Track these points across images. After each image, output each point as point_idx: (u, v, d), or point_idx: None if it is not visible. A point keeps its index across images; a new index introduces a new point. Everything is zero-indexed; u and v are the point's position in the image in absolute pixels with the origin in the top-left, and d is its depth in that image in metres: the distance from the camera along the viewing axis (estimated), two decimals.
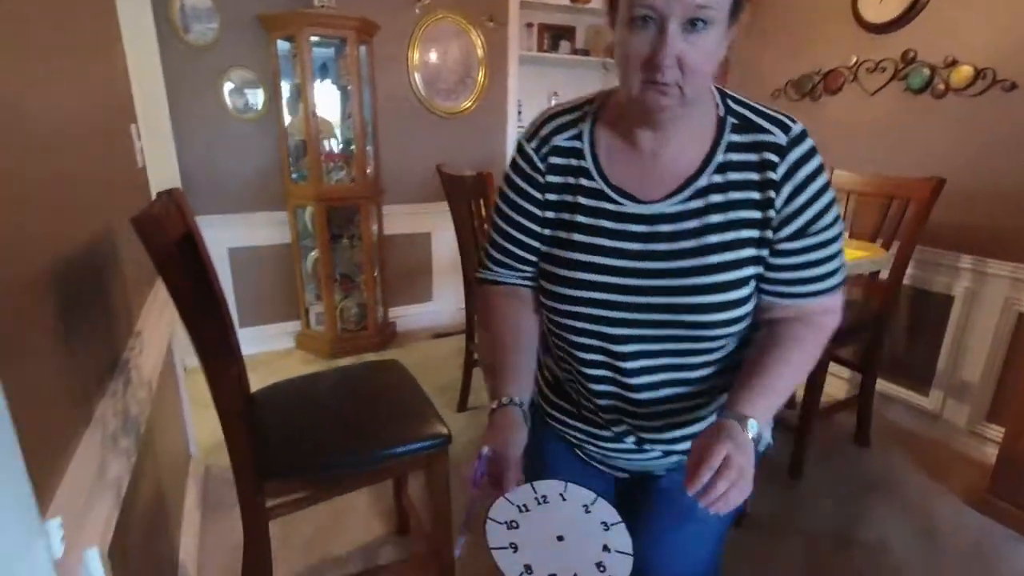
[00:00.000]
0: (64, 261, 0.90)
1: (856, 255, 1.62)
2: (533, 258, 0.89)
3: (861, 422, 2.23)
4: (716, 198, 0.79)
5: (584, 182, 0.83)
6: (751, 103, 0.82)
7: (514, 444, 0.78)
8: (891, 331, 2.39)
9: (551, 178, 0.85)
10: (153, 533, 1.22)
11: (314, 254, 2.97)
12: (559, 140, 0.85)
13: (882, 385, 2.42)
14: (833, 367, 2.60)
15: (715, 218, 0.78)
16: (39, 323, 0.78)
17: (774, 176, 0.77)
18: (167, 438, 1.55)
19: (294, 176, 2.86)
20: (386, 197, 3.09)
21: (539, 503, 0.72)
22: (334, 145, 2.92)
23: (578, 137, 0.84)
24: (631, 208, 0.81)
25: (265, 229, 2.91)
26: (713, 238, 0.78)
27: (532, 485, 0.74)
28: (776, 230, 0.79)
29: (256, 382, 1.37)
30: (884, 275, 2.08)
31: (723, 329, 0.80)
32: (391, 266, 3.22)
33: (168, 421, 1.62)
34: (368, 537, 1.72)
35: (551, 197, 0.85)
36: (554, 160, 0.85)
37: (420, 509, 1.60)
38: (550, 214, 0.86)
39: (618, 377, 0.86)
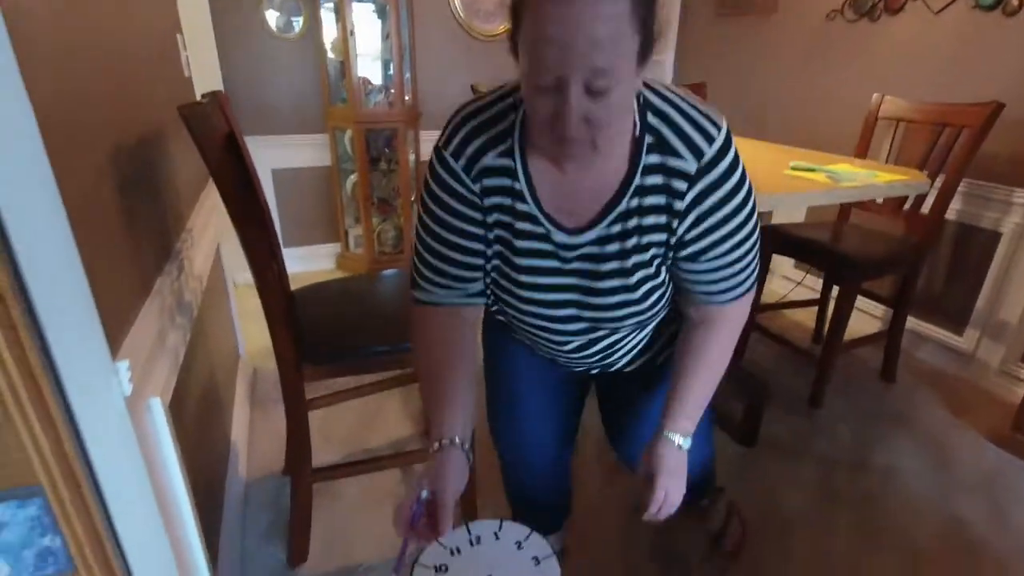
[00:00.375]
0: (123, 151, 0.98)
1: (891, 178, 1.57)
2: (476, 275, 0.87)
3: (888, 357, 2.22)
4: (633, 222, 0.80)
5: (519, 206, 0.81)
6: (670, 112, 0.77)
7: (454, 488, 0.76)
8: (930, 268, 2.33)
9: (488, 200, 0.81)
10: (208, 409, 1.36)
11: (353, 178, 3.04)
12: (489, 160, 0.80)
13: (914, 324, 2.39)
14: (864, 303, 2.57)
15: (632, 241, 0.81)
16: (105, 199, 0.86)
17: (679, 206, 0.78)
18: (219, 337, 1.69)
19: (334, 99, 2.90)
20: (423, 122, 3.10)
21: (472, 544, 0.74)
22: (372, 68, 2.93)
23: (508, 154, 0.79)
24: (561, 238, 0.82)
25: (306, 151, 2.98)
26: (632, 259, 0.81)
27: (467, 526, 0.76)
28: (674, 250, 0.82)
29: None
30: (927, 208, 2.01)
31: (657, 315, 0.91)
32: None
33: (219, 323, 1.75)
34: (398, 435, 1.85)
35: (491, 219, 0.83)
36: (488, 182, 0.81)
37: None
38: (492, 234, 0.84)
39: (571, 357, 0.98)
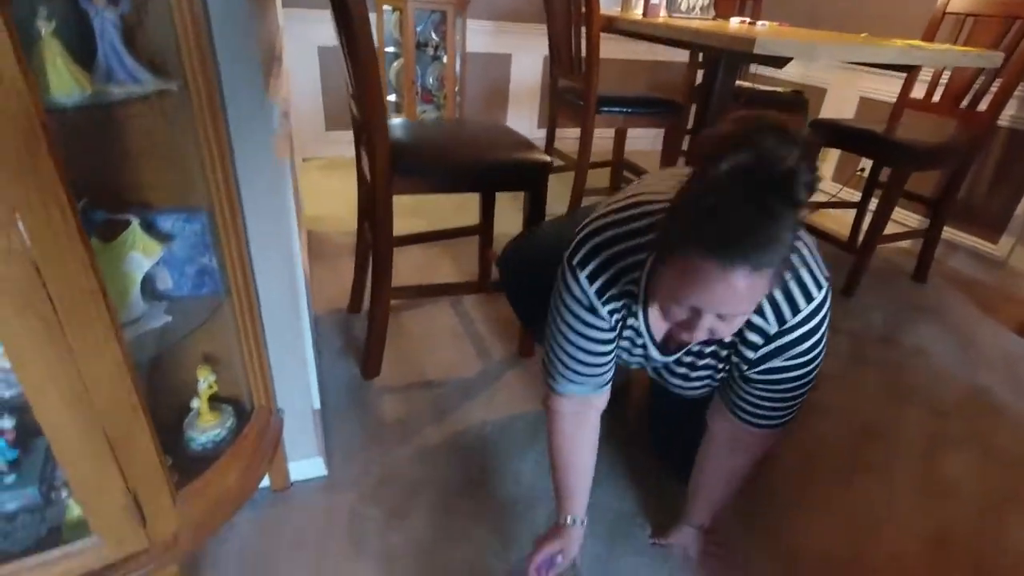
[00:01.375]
0: None
1: (965, 49, 1.58)
2: (606, 367, 0.94)
3: (922, 259, 2.27)
4: (709, 348, 0.89)
5: (631, 321, 0.89)
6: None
7: (574, 552, 1.01)
8: (973, 176, 2.36)
9: (615, 317, 0.88)
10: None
11: (397, 64, 3.03)
12: (622, 286, 0.84)
13: (948, 233, 2.44)
14: (900, 215, 2.62)
15: (705, 361, 0.91)
16: None
17: (749, 355, 0.83)
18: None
19: None
20: (471, 10, 3.06)
21: None
22: None
23: (636, 283, 0.84)
24: (653, 352, 0.92)
25: None
26: (698, 372, 0.93)
27: None
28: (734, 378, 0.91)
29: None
30: (983, 107, 2.02)
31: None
32: (469, 85, 3.25)
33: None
34: (453, 281, 1.95)
35: (616, 329, 0.91)
36: (615, 304, 0.86)
37: None
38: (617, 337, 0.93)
39: None
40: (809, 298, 0.78)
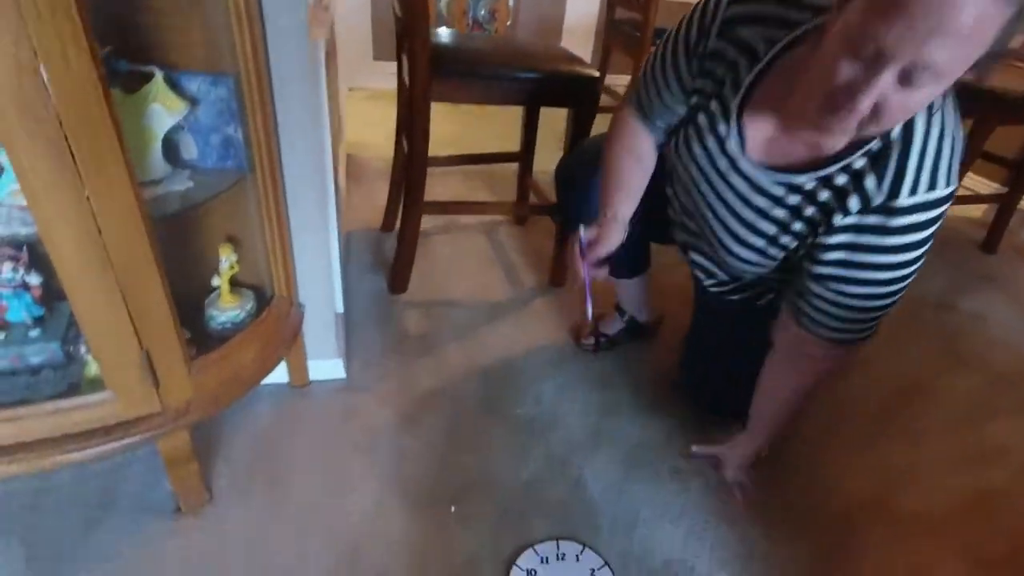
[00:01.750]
0: None
1: None
2: (667, 111, 0.89)
3: (994, 227, 2.10)
4: (794, 200, 0.76)
5: (727, 91, 0.77)
6: (917, 139, 0.66)
7: (612, 243, 0.94)
8: None
9: (713, 72, 0.78)
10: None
11: None
12: (752, 34, 0.73)
13: None
14: (970, 181, 2.42)
15: (780, 212, 0.78)
16: None
17: (838, 220, 0.72)
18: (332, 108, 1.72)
19: None
20: None
21: (558, 559, 0.90)
22: None
23: (771, 42, 0.71)
24: (733, 144, 0.79)
25: None
26: (765, 225, 0.80)
27: (557, 542, 0.93)
28: (806, 257, 0.79)
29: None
30: None
31: (741, 279, 0.94)
32: (522, 18, 3.13)
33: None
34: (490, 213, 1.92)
35: (697, 83, 0.82)
36: (728, 48, 0.75)
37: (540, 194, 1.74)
38: (692, 100, 0.83)
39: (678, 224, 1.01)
40: (933, 186, 0.67)
